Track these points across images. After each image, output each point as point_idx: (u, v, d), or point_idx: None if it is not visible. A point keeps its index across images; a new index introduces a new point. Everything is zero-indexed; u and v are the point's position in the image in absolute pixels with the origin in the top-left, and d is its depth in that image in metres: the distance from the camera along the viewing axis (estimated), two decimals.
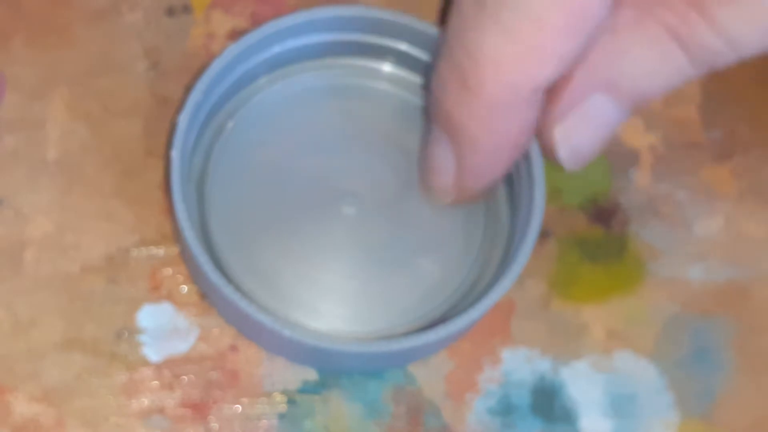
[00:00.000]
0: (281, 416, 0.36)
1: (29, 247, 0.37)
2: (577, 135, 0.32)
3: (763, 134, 0.42)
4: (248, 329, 0.36)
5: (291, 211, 0.37)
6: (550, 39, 0.29)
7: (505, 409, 0.37)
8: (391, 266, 0.37)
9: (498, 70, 0.30)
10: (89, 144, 0.39)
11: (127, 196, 0.38)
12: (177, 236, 0.37)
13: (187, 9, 0.41)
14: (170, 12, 0.41)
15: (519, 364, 0.38)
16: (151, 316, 0.37)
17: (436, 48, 0.35)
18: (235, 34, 0.41)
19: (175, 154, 0.34)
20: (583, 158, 0.33)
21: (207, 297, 0.37)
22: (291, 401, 0.36)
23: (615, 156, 0.41)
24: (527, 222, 0.35)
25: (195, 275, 0.37)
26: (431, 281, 0.37)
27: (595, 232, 0.40)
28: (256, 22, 0.41)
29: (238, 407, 0.36)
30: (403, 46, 0.39)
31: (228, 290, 0.33)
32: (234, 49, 0.36)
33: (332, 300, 0.37)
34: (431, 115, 0.33)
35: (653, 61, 0.31)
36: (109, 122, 0.39)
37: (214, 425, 0.36)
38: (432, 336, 0.33)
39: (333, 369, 0.37)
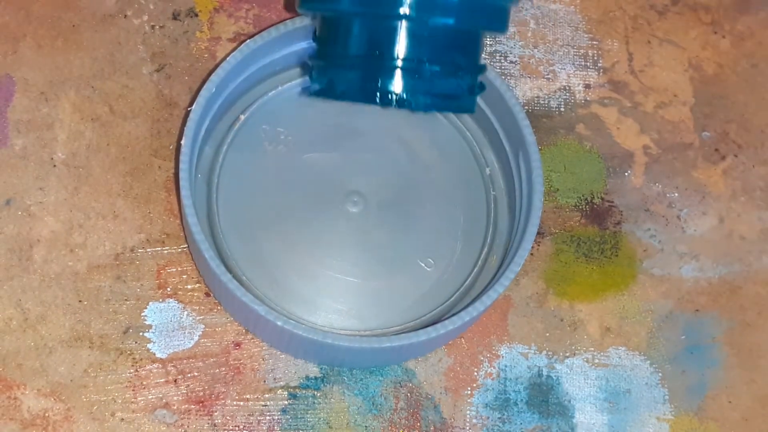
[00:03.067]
0: (283, 411, 0.37)
1: (38, 246, 0.38)
2: None
3: (754, 135, 0.43)
4: (251, 323, 0.37)
5: (297, 206, 0.38)
6: None
7: (502, 404, 0.38)
8: (392, 265, 0.38)
9: None
10: (96, 145, 0.39)
11: (133, 196, 0.39)
12: (183, 224, 0.37)
13: (192, 13, 0.41)
14: (176, 16, 0.41)
15: (516, 360, 0.38)
16: (157, 314, 0.37)
17: None
18: (239, 38, 0.41)
19: (185, 142, 0.35)
20: None
21: (211, 290, 0.38)
22: (293, 396, 0.37)
23: (609, 156, 0.42)
24: (525, 224, 0.36)
25: (201, 268, 0.37)
26: (431, 281, 0.38)
27: (589, 231, 0.40)
28: (259, 26, 0.41)
29: (242, 402, 0.37)
30: None
31: (232, 283, 0.34)
32: (251, 44, 0.36)
33: (331, 295, 0.37)
34: None
35: None
36: (115, 124, 0.39)
37: (219, 420, 0.36)
38: (432, 333, 0.34)
39: (335, 364, 0.37)
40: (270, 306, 0.34)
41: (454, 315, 0.34)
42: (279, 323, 0.33)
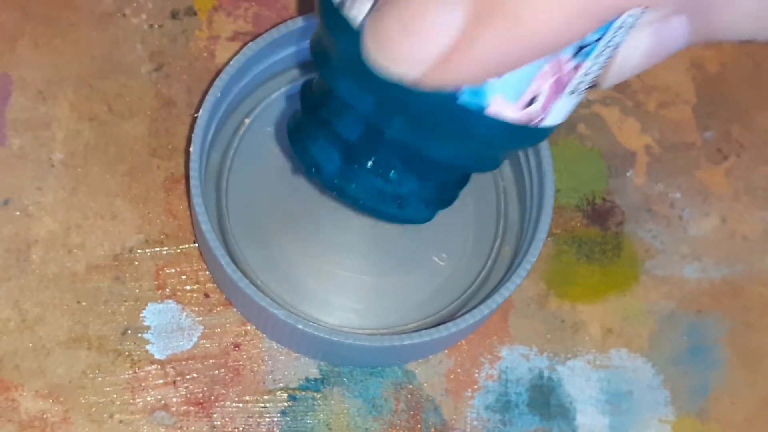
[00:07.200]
0: (283, 412, 0.36)
1: (35, 246, 0.37)
2: (634, 47, 0.26)
3: (757, 135, 0.42)
4: (259, 320, 0.36)
5: (306, 206, 0.38)
6: None
7: (503, 406, 0.37)
8: (406, 261, 0.38)
9: None
10: (94, 145, 0.39)
11: (131, 196, 0.38)
12: (195, 231, 0.37)
13: (190, 12, 0.41)
14: (174, 15, 0.41)
15: (517, 361, 0.38)
16: (156, 315, 0.37)
17: None
18: (238, 37, 0.41)
19: (194, 149, 0.35)
20: (624, 77, 0.27)
21: (223, 290, 0.37)
22: (292, 398, 0.37)
23: (611, 156, 0.41)
24: (539, 213, 0.36)
25: (212, 269, 0.37)
26: (445, 276, 0.38)
27: (591, 231, 0.40)
28: (258, 24, 0.41)
29: (241, 404, 0.36)
30: None
31: (242, 281, 0.34)
32: (253, 47, 0.36)
33: (345, 295, 0.37)
34: None
35: (755, 8, 0.26)
36: (113, 123, 0.39)
37: (218, 422, 0.36)
38: (462, 323, 0.34)
39: (357, 363, 0.37)
40: (287, 309, 0.34)
41: (473, 308, 0.34)
42: (300, 326, 0.33)
